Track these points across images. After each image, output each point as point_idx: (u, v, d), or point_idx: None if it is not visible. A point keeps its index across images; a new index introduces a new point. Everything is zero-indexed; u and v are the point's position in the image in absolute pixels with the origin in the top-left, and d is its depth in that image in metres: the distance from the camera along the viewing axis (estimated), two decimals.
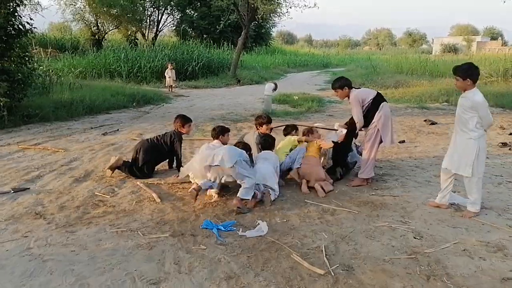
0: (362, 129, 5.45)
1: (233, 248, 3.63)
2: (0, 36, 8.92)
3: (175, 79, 17.26)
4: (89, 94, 11.91)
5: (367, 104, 5.25)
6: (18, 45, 9.55)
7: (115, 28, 30.09)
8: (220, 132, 5.49)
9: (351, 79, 5.84)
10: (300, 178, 5.34)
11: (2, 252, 3.52)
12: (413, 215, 4.40)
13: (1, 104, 8.71)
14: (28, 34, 9.80)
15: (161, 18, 34.02)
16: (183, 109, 12.19)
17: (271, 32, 46.28)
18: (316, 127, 6.19)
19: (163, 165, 6.20)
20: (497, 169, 6.12)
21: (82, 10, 28.55)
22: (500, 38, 71.94)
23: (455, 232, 3.96)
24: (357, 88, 5.47)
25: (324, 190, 5.04)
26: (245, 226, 4.10)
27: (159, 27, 33.83)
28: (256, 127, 5.95)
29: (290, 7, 21.49)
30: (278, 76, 27.10)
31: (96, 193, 5.05)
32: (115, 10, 27.27)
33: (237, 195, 4.55)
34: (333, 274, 3.20)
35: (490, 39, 66.35)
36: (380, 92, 5.54)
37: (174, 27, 37.64)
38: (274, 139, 5.65)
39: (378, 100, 5.29)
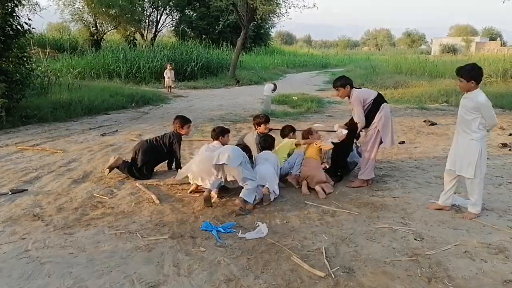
0: (362, 130, 5.43)
1: (232, 250, 3.60)
2: None
3: (174, 79, 17.23)
4: (87, 95, 11.87)
5: (367, 105, 5.23)
6: (16, 45, 9.52)
7: (114, 29, 30.02)
8: (220, 133, 5.46)
9: None
10: (301, 179, 5.31)
11: (0, 254, 3.49)
12: (414, 216, 4.37)
13: None
14: (26, 34, 9.78)
15: (160, 18, 34.02)
16: (182, 110, 12.16)
17: (270, 33, 46.27)
18: (315, 128, 6.16)
19: (162, 166, 6.18)
20: (497, 170, 6.10)
21: (80, 11, 28.47)
22: (499, 38, 72.00)
23: (456, 234, 3.93)
24: (358, 88, 5.45)
25: (324, 192, 5.01)
26: (244, 228, 4.07)
27: (158, 27, 33.82)
28: (255, 126, 5.94)
29: (289, 8, 21.52)
30: (277, 76, 27.08)
31: (94, 194, 5.02)
32: (113, 11, 27.20)
33: (240, 196, 4.54)
34: (333, 277, 3.17)
35: (489, 40, 66.43)
36: (380, 92, 5.52)
37: (173, 28, 37.62)
38: (273, 139, 5.63)
39: (379, 100, 5.28)
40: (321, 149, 5.52)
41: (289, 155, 5.70)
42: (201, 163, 4.95)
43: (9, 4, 9.19)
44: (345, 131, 5.49)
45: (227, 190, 5.00)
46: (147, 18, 32.54)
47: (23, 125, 9.22)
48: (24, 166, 6.13)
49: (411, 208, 4.62)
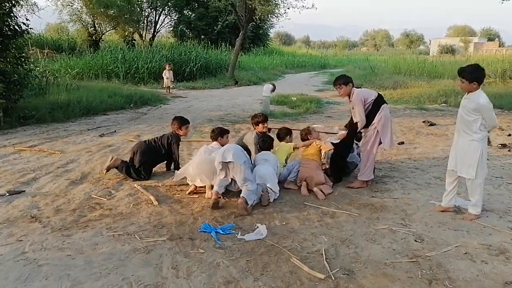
0: (362, 130, 5.41)
1: (232, 252, 3.57)
2: None
3: (172, 80, 17.18)
4: (86, 95, 11.83)
5: (368, 105, 5.22)
6: (14, 46, 9.49)
7: (112, 29, 29.95)
8: (219, 134, 5.44)
9: None
10: (299, 180, 5.29)
11: None
12: (414, 217, 4.35)
13: None
14: (24, 34, 9.74)
15: (159, 19, 33.94)
16: (181, 110, 12.13)
17: (269, 33, 46.21)
18: (314, 129, 6.10)
19: (161, 167, 6.15)
20: (497, 170, 6.08)
21: (79, 11, 28.38)
22: (497, 39, 72.11)
23: (456, 235, 3.91)
24: (358, 88, 5.43)
25: (323, 193, 4.99)
26: (244, 229, 4.05)
27: (157, 28, 33.75)
28: (253, 126, 5.91)
29: (288, 8, 21.42)
30: (276, 77, 27.06)
31: (92, 195, 4.98)
32: (112, 11, 27.14)
33: (242, 195, 4.53)
34: (333, 279, 3.15)
35: (487, 40, 66.52)
36: (380, 93, 5.50)
37: (172, 28, 37.57)
38: (272, 139, 5.60)
39: (379, 101, 5.27)
40: (320, 149, 5.49)
41: (286, 158, 5.66)
42: (201, 164, 4.92)
43: (7, 4, 9.15)
44: (344, 132, 5.48)
45: (225, 191, 4.97)
46: (146, 19, 32.49)
47: (20, 126, 9.18)
48: (21, 167, 6.10)
49: (411, 209, 4.60)
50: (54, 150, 7.13)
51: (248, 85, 21.39)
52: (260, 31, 41.36)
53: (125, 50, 22.24)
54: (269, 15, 23.90)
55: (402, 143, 7.94)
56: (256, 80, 22.75)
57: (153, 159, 5.82)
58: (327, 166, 5.78)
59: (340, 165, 5.59)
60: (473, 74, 4.12)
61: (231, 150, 4.71)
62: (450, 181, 4.46)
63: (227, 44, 29.29)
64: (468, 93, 4.22)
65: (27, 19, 9.98)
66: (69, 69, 17.64)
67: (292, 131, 6.06)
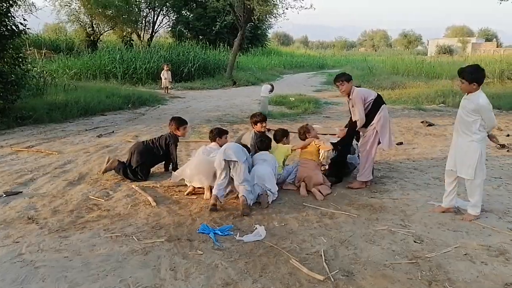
0: (360, 129, 5.39)
1: (230, 253, 3.55)
2: None
3: (171, 80, 17.14)
4: (84, 96, 11.78)
5: (367, 104, 5.22)
6: (11, 46, 9.44)
7: (110, 29, 29.92)
8: (217, 134, 5.41)
9: None
10: (297, 180, 5.27)
11: None
12: (413, 218, 4.34)
13: None
14: (22, 35, 9.69)
15: (157, 19, 33.90)
16: (179, 111, 12.10)
17: (267, 34, 46.21)
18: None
19: (159, 168, 6.12)
20: (496, 171, 6.08)
21: (77, 11, 28.35)
22: (495, 39, 72.26)
23: (456, 236, 3.90)
24: (358, 87, 5.42)
25: (322, 194, 4.97)
26: (242, 231, 4.03)
27: (155, 28, 33.69)
28: (252, 125, 5.89)
29: (287, 8, 21.43)
30: (274, 77, 27.04)
31: (90, 196, 4.96)
32: (110, 11, 27.10)
33: (242, 194, 4.53)
34: (333, 280, 3.13)
35: (485, 41, 66.65)
36: (379, 93, 5.49)
37: (170, 28, 37.51)
38: (270, 140, 5.56)
39: (379, 101, 5.27)
40: (319, 149, 5.46)
41: (284, 160, 5.63)
42: (199, 165, 4.90)
43: (4, 4, 9.10)
44: (344, 130, 5.47)
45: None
46: (144, 19, 32.45)
47: (18, 126, 9.13)
48: (19, 168, 6.06)
49: (410, 210, 4.58)
50: (51, 150, 7.09)
51: (246, 85, 21.36)
52: (258, 32, 41.35)
53: (123, 50, 22.19)
54: (268, 16, 23.81)
55: (401, 143, 7.93)
56: (254, 81, 22.72)
57: (151, 160, 5.80)
58: (326, 167, 5.76)
59: (341, 165, 5.57)
60: (473, 75, 4.11)
61: (232, 148, 4.71)
62: (450, 181, 4.44)
63: (225, 45, 29.26)
64: (467, 93, 4.20)
65: (24, 19, 9.92)
66: (67, 70, 17.60)
67: (289, 132, 5.97)
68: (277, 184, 5.09)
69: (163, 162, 6.10)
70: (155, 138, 5.95)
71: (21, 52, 10.10)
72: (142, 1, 31.18)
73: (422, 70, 22.56)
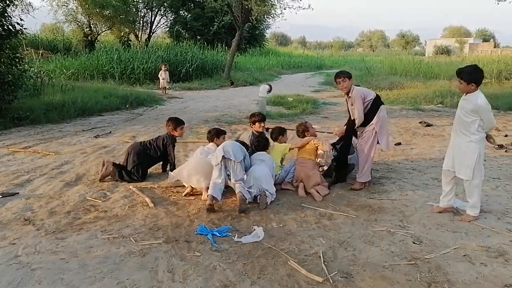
0: (358, 128, 5.37)
1: (228, 255, 3.53)
2: None
3: (168, 80, 17.11)
4: (81, 96, 11.75)
5: (367, 103, 5.20)
6: (8, 46, 9.42)
7: (108, 29, 29.83)
8: (215, 135, 5.40)
9: None
10: (295, 180, 5.24)
11: None
12: (412, 219, 4.32)
13: None
14: (19, 35, 9.66)
15: (154, 19, 33.86)
16: (177, 111, 12.07)
17: (265, 34, 46.20)
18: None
19: (157, 169, 6.09)
20: (494, 171, 6.07)
21: (74, 11, 28.24)
22: (492, 39, 72.44)
23: (455, 237, 3.88)
24: (357, 86, 5.41)
25: (320, 195, 4.95)
26: (240, 232, 4.00)
27: (153, 28, 33.66)
28: (250, 125, 5.88)
29: (284, 9, 21.37)
30: (272, 77, 27.02)
31: (87, 197, 4.92)
32: (107, 11, 27.02)
33: (238, 191, 4.55)
34: (331, 282, 3.11)
35: (482, 41, 66.81)
36: (378, 94, 5.47)
37: (168, 29, 37.45)
38: (267, 139, 5.54)
39: (378, 102, 5.26)
40: (317, 148, 5.43)
41: (281, 160, 5.60)
42: (197, 166, 4.88)
43: (1, 4, 9.07)
44: (343, 129, 5.45)
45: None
46: (142, 19, 32.41)
47: (15, 127, 9.10)
48: (15, 169, 6.02)
49: (409, 210, 4.57)
50: (48, 151, 7.06)
51: (244, 85, 21.34)
52: (256, 32, 41.33)
53: (121, 50, 22.16)
54: (265, 16, 23.77)
55: (399, 144, 7.92)
56: (252, 81, 22.69)
57: (148, 160, 5.77)
58: (325, 168, 5.74)
59: (343, 165, 5.53)
60: (472, 75, 4.10)
61: (230, 146, 4.75)
62: (447, 181, 4.44)
63: (223, 45, 29.23)
64: (466, 94, 4.19)
65: (21, 19, 9.90)
66: (64, 70, 17.55)
67: (287, 130, 5.93)
68: (275, 184, 5.08)
69: (161, 163, 6.07)
70: (152, 139, 5.92)
71: (18, 52, 10.08)
72: (140, 1, 31.12)
73: (420, 71, 22.59)
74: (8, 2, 9.34)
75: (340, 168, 5.59)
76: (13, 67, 9.61)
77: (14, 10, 10.74)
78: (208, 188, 4.76)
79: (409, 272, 3.24)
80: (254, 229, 3.99)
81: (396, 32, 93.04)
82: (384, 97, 14.00)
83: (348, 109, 5.52)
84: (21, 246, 3.65)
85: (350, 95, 5.28)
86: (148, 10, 33.02)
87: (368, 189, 5.29)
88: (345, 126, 5.53)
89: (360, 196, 5.07)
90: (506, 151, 7.31)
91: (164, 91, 16.65)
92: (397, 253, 3.57)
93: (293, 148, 5.59)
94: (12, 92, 9.51)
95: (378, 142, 5.34)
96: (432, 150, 7.41)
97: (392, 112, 11.75)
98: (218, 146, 5.13)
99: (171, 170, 5.68)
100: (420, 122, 10.16)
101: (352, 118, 5.36)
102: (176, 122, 5.84)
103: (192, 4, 35.67)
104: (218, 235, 3.89)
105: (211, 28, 29.17)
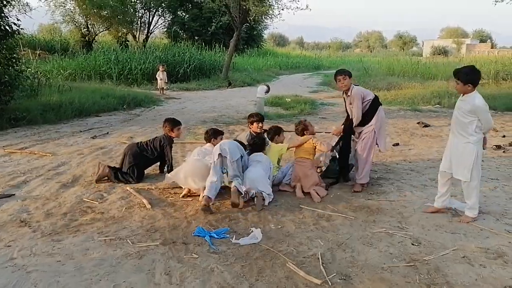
0: (355, 127, 5.35)
1: (226, 257, 3.50)
2: None
3: (166, 81, 17.07)
4: (78, 97, 11.71)
5: (366, 103, 5.19)
6: (4, 46, 9.37)
7: (105, 30, 29.75)
8: (212, 135, 5.37)
9: None
10: (293, 180, 5.21)
11: None
12: (410, 220, 4.30)
13: None
14: (15, 35, 9.61)
15: (152, 19, 33.75)
16: (175, 112, 12.04)
17: (263, 34, 46.16)
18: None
19: (154, 170, 6.06)
20: (492, 172, 6.06)
21: (72, 12, 28.16)
22: (489, 40, 72.62)
23: (454, 238, 3.87)
24: (356, 85, 5.39)
25: (319, 196, 4.93)
26: (238, 233, 3.98)
27: (150, 29, 33.57)
28: (248, 125, 5.86)
29: (282, 9, 21.37)
30: (270, 78, 27.02)
31: (84, 199, 4.89)
32: (105, 12, 26.93)
33: (234, 184, 4.63)
34: (330, 284, 3.09)
35: (479, 42, 66.98)
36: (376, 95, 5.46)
37: (165, 29, 37.41)
38: (263, 140, 5.51)
39: (376, 102, 5.25)
40: (315, 147, 5.39)
41: (278, 160, 5.58)
42: (194, 167, 4.85)
43: None
44: (341, 128, 5.43)
45: (219, 194, 4.90)
46: (139, 20, 32.31)
47: (11, 128, 9.05)
48: (11, 170, 5.98)
49: (407, 211, 4.55)
50: (45, 152, 7.02)
51: (242, 86, 21.32)
52: (254, 32, 41.31)
53: (119, 51, 22.09)
54: (263, 16, 23.77)
55: (397, 144, 7.91)
56: (250, 81, 22.68)
57: (144, 161, 5.73)
58: (323, 169, 5.71)
59: (345, 164, 5.49)
60: (468, 76, 4.09)
61: (227, 145, 4.77)
62: (443, 183, 4.43)
63: (221, 45, 29.22)
64: (463, 95, 4.18)
65: (18, 19, 9.84)
66: (61, 70, 17.45)
67: (283, 130, 5.87)
68: (273, 185, 5.06)
69: (159, 164, 6.04)
70: (149, 140, 5.88)
71: (15, 52, 10.03)
72: (138, 1, 31.05)
73: (418, 71, 22.62)
74: (4, 2, 9.30)
75: (343, 168, 5.55)
76: (10, 68, 9.57)
77: (11, 11, 10.71)
78: (205, 189, 4.74)
79: (408, 274, 3.22)
80: (252, 231, 3.96)
81: (393, 32, 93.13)
82: (382, 97, 13.97)
83: (346, 108, 5.50)
84: (16, 248, 3.61)
85: (349, 93, 5.26)
86: (146, 11, 32.93)
87: (366, 190, 5.27)
88: (343, 126, 5.51)
89: (358, 197, 5.05)
90: (504, 151, 7.30)
91: (161, 92, 16.62)
92: (396, 254, 3.55)
93: (291, 148, 5.56)
94: (9, 92, 9.46)
95: (376, 143, 5.33)
96: (430, 151, 7.40)
97: (390, 112, 11.75)
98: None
99: (169, 171, 5.65)
100: (418, 123, 10.15)
101: (350, 118, 5.34)
102: (173, 123, 5.81)
103: (190, 5, 35.63)
104: (215, 236, 3.86)
105: (209, 28, 29.11)
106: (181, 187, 5.13)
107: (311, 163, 5.35)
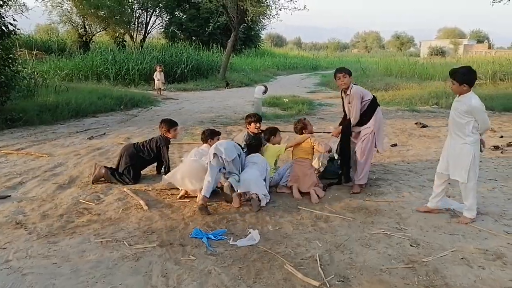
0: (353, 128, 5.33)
1: (224, 259, 3.47)
2: None
3: (163, 81, 17.02)
4: (75, 97, 11.65)
5: (364, 103, 5.17)
6: (1, 47, 9.30)
7: (102, 30, 29.67)
8: (209, 136, 5.35)
9: None
10: (291, 181, 5.19)
11: None
12: (409, 221, 4.29)
13: None
14: (12, 35, 9.55)
15: (150, 20, 33.69)
16: (172, 112, 12.01)
17: (261, 35, 46.16)
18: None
19: (151, 170, 6.03)
20: (490, 172, 6.05)
21: (69, 12, 28.08)
22: (486, 41, 72.82)
23: (452, 239, 3.85)
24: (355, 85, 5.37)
25: (318, 196, 4.91)
26: (236, 235, 3.95)
27: (148, 29, 33.49)
28: (246, 125, 5.84)
29: (280, 10, 21.34)
30: (268, 78, 26.99)
31: (80, 200, 4.85)
32: (102, 12, 26.86)
33: (228, 180, 4.71)
34: (328, 286, 3.07)
35: (477, 42, 67.15)
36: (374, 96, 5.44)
37: (163, 29, 37.32)
38: (259, 141, 5.49)
39: (375, 103, 5.23)
40: (313, 147, 5.37)
41: (275, 161, 5.55)
42: (191, 168, 4.83)
43: None
44: (338, 129, 5.41)
45: (216, 195, 4.88)
46: (137, 20, 32.22)
47: (8, 129, 8.99)
48: (7, 171, 5.94)
49: (405, 212, 4.53)
50: (41, 153, 6.97)
51: (240, 86, 21.28)
52: (252, 33, 41.29)
53: (116, 51, 22.04)
54: (261, 17, 23.75)
55: (395, 145, 7.90)
56: (248, 82, 22.64)
57: (141, 162, 5.70)
58: (321, 170, 5.69)
59: (348, 164, 5.46)
60: (464, 76, 4.08)
61: (223, 145, 4.77)
62: (439, 184, 4.42)
63: (219, 46, 29.17)
64: (459, 95, 4.17)
65: (14, 20, 9.79)
66: (58, 71, 17.37)
67: (279, 130, 5.86)
68: (270, 187, 5.04)
69: (155, 165, 6.01)
70: (145, 141, 5.84)
71: (11, 53, 9.96)
72: (135, 2, 30.99)
73: (415, 72, 22.64)
74: (1, 2, 9.25)
75: (345, 168, 5.51)
76: (6, 68, 9.50)
77: (7, 11, 10.63)
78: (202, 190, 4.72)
79: (407, 276, 3.20)
80: (250, 232, 3.94)
81: (391, 33, 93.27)
82: (380, 98, 13.96)
83: (344, 108, 5.47)
84: (12, 250, 3.58)
85: (348, 92, 5.23)
86: (143, 11, 32.86)
87: (364, 191, 5.25)
88: (341, 126, 5.48)
89: (356, 198, 5.03)
90: (502, 152, 7.30)
91: (159, 92, 16.57)
92: (394, 256, 3.53)
93: (289, 147, 5.53)
94: (5, 93, 9.40)
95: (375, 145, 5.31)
96: (428, 151, 7.39)
97: (387, 113, 11.74)
98: None
99: (166, 172, 5.62)
100: (416, 123, 10.15)
101: (348, 117, 5.32)
102: (169, 124, 5.78)
103: (188, 5, 35.59)
104: (213, 238, 3.83)
105: (206, 29, 29.02)
106: (178, 188, 5.09)
107: (310, 163, 5.34)
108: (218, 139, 5.39)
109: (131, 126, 9.80)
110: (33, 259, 3.43)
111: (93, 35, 29.68)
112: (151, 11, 33.42)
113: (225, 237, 3.89)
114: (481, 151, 4.25)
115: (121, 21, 28.23)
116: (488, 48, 55.68)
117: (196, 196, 4.86)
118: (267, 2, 21.03)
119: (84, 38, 28.34)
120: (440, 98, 14.12)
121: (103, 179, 5.50)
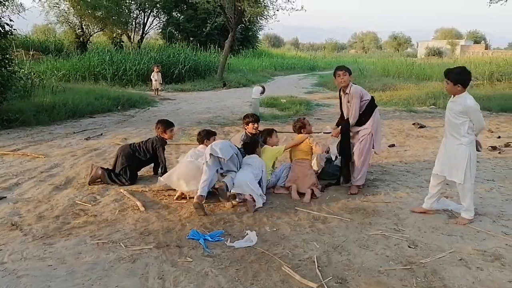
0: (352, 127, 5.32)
1: (221, 260, 3.45)
2: None
3: (161, 82, 16.99)
4: (72, 98, 11.61)
5: (363, 103, 5.15)
6: None
7: (100, 31, 29.60)
8: (205, 136, 5.33)
9: None
10: (289, 182, 5.17)
11: None
12: (407, 222, 4.27)
13: None
14: (8, 35, 9.51)
15: (147, 20, 33.66)
16: (169, 113, 11.98)
17: (258, 35, 46.16)
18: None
19: (148, 171, 6.00)
20: (488, 173, 6.05)
21: (66, 12, 27.98)
22: (483, 41, 73.00)
23: (450, 240, 3.84)
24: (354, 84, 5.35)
25: (316, 196, 4.90)
26: (233, 236, 3.93)
27: (145, 29, 33.47)
28: (244, 126, 5.82)
29: (277, 10, 21.34)
30: (265, 79, 26.98)
31: (77, 201, 4.82)
32: (100, 13, 26.79)
33: (223, 180, 4.69)
34: (326, 287, 3.04)
35: (473, 43, 67.32)
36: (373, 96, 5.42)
37: (160, 30, 37.28)
38: (255, 141, 5.46)
39: (373, 104, 5.21)
40: (312, 147, 5.35)
41: (273, 164, 5.52)
42: (187, 169, 4.80)
43: None
44: (337, 129, 5.40)
45: (213, 196, 4.86)
46: (134, 20, 32.19)
47: (4, 129, 8.95)
48: (3, 172, 5.90)
49: (403, 213, 4.52)
50: (38, 154, 6.94)
51: (237, 87, 21.26)
52: (249, 33, 41.27)
53: (113, 51, 21.97)
54: (258, 17, 23.72)
55: (393, 145, 7.89)
56: (245, 82, 22.63)
57: (137, 163, 5.67)
58: (319, 171, 5.67)
59: (348, 164, 5.44)
60: (458, 76, 4.08)
61: (219, 145, 4.77)
62: (434, 185, 4.41)
63: (216, 46, 29.15)
64: (454, 96, 4.17)
65: (11, 20, 9.75)
66: (55, 71, 17.30)
67: (275, 131, 5.80)
68: (267, 188, 5.02)
69: (152, 166, 5.98)
70: (142, 142, 5.81)
71: (8, 53, 9.93)
72: (132, 2, 30.93)
73: (413, 72, 22.67)
74: None
75: (345, 169, 5.48)
76: (3, 69, 9.47)
77: (4, 11, 10.61)
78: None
79: (405, 277, 3.19)
80: (247, 234, 3.92)
81: (388, 33, 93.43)
82: (377, 98, 13.90)
83: (341, 108, 5.44)
84: (7, 252, 3.55)
85: (347, 91, 5.21)
86: (141, 11, 32.82)
87: (362, 192, 5.23)
88: (339, 127, 5.45)
89: (354, 199, 5.02)
90: (499, 152, 7.30)
91: (156, 93, 16.54)
92: (392, 257, 3.51)
93: (288, 148, 5.51)
94: (2, 93, 9.38)
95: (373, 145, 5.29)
96: (426, 152, 7.39)
97: (385, 113, 11.75)
98: None
99: (162, 173, 5.58)
100: (414, 124, 10.15)
101: (346, 117, 5.29)
102: (166, 125, 5.75)
103: (185, 6, 35.50)
104: (210, 239, 3.81)
105: (204, 29, 29.04)
106: (175, 189, 5.07)
107: (310, 163, 5.32)
108: (214, 140, 5.36)
109: (128, 127, 9.77)
110: (28, 261, 3.40)
111: (91, 36, 29.61)
112: (149, 11, 33.40)
113: (222, 238, 3.86)
114: (478, 150, 4.24)
115: (118, 22, 28.19)
116: (485, 49, 55.81)
117: (193, 197, 4.83)
118: (264, 3, 21.02)
119: (81, 38, 28.27)
120: (437, 98, 14.14)
121: (99, 180, 5.47)
